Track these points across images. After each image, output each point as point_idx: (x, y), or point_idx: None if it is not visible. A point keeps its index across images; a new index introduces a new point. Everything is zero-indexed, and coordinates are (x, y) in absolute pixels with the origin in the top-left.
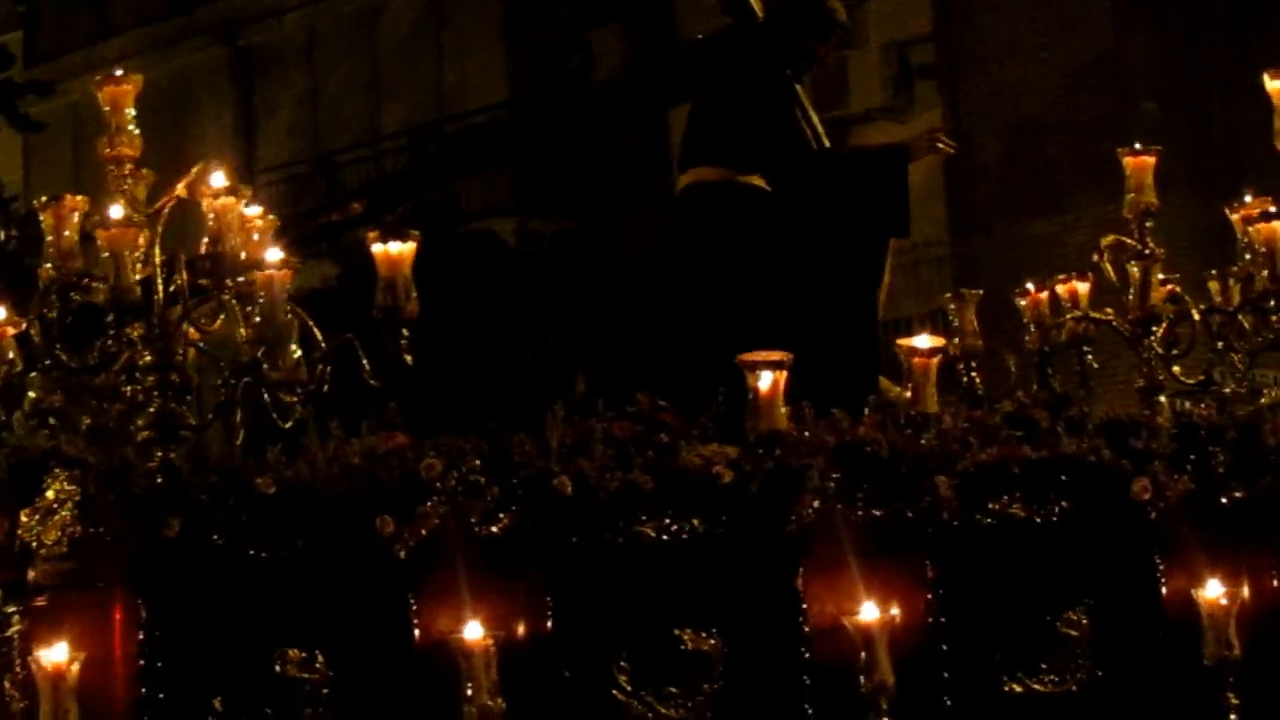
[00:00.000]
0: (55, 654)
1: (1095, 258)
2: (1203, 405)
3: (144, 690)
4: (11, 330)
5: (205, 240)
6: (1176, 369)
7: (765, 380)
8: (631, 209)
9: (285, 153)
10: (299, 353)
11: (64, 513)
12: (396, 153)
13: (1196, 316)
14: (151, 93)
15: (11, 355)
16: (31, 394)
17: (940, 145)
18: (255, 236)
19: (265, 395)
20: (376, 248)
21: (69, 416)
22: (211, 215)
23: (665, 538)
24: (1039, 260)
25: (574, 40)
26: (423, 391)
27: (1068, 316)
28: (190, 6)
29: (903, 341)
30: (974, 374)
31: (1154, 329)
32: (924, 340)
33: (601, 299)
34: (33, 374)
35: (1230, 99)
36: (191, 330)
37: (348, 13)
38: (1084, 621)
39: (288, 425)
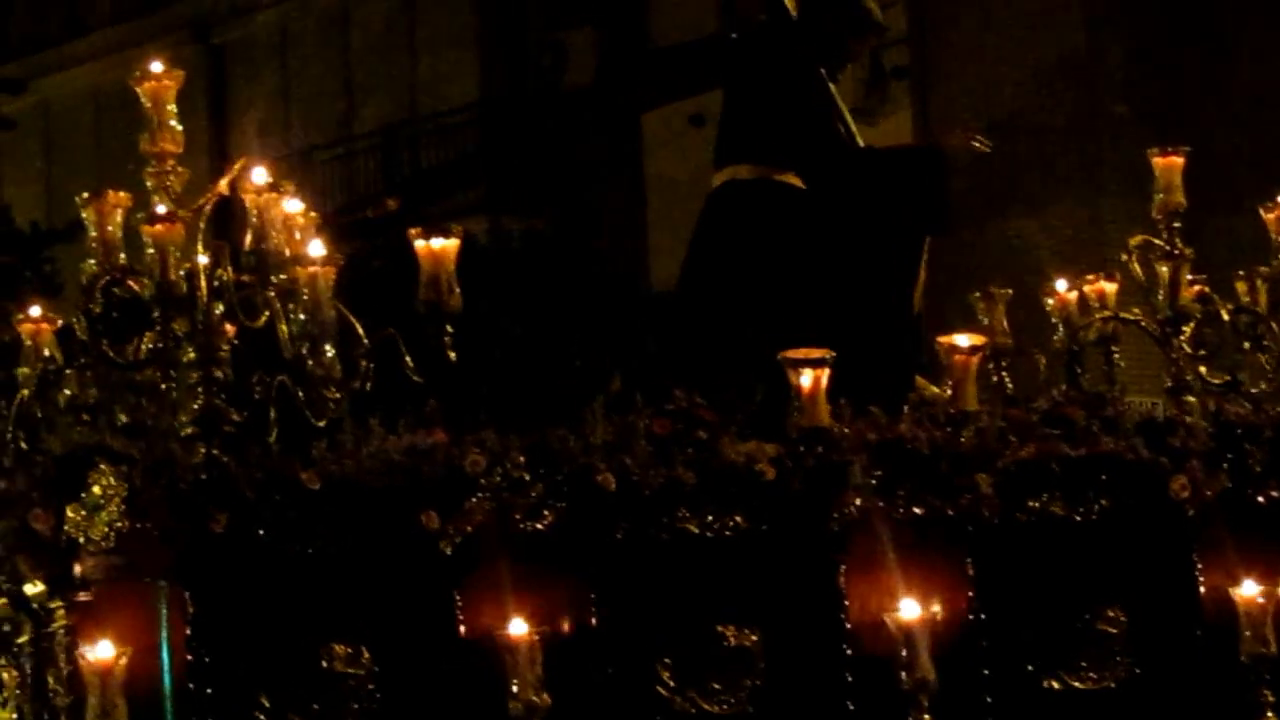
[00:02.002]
0: (102, 649)
1: (1124, 257)
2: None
3: (190, 685)
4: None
5: (248, 237)
6: (1203, 369)
7: (808, 377)
8: (603, 209)
9: (258, 151)
10: (332, 351)
11: (111, 507)
12: (369, 151)
13: (1226, 317)
14: (123, 91)
15: (48, 352)
16: (67, 390)
17: (976, 144)
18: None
19: (299, 393)
20: (419, 243)
21: (106, 412)
22: (254, 211)
23: (708, 534)
24: (1011, 261)
25: (546, 41)
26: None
27: (1096, 316)
28: (163, 4)
29: (943, 339)
30: (1004, 373)
31: (1183, 329)
32: (964, 338)
33: (574, 297)
34: (69, 370)
35: (1202, 104)
36: (230, 327)
37: (320, 10)
38: (1122, 619)
39: (322, 424)
